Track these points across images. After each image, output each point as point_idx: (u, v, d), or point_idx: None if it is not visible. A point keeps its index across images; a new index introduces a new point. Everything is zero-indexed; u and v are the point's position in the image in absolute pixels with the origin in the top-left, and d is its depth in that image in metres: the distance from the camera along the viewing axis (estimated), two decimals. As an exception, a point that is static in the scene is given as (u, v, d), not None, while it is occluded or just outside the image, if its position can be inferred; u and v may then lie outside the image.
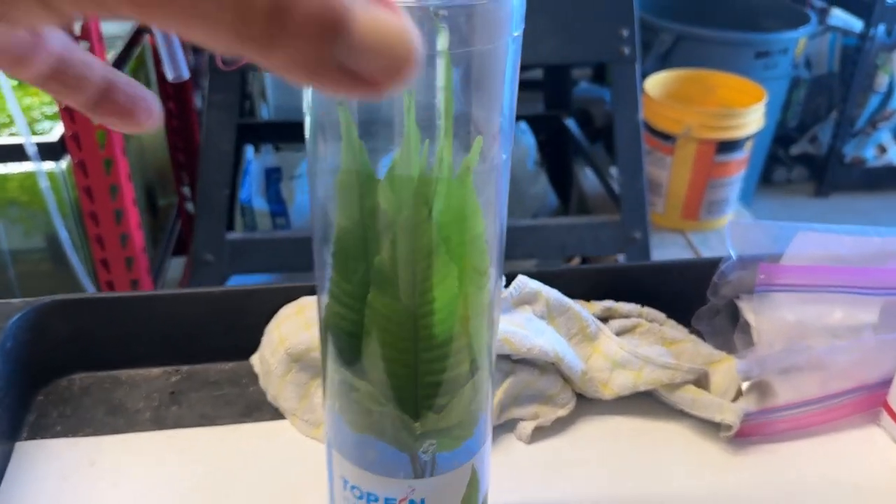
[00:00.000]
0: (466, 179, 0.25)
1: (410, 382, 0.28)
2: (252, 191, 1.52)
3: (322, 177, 0.27)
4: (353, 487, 0.32)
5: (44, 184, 0.89)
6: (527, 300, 0.47)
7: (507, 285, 0.49)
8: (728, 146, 1.33)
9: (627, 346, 0.47)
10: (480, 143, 0.24)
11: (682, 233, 1.41)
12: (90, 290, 0.97)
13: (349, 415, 0.30)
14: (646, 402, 0.48)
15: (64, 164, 0.92)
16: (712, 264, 0.53)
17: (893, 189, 2.14)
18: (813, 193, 2.15)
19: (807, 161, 2.18)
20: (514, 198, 1.46)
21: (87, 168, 0.90)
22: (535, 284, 0.48)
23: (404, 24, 0.14)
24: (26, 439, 0.45)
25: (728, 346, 0.53)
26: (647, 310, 0.52)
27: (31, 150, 0.86)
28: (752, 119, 1.33)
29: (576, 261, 1.26)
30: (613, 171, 1.39)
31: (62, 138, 0.90)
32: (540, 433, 0.46)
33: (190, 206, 1.48)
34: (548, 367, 0.46)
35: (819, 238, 0.53)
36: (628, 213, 1.18)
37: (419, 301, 0.26)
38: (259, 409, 0.48)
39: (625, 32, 1.11)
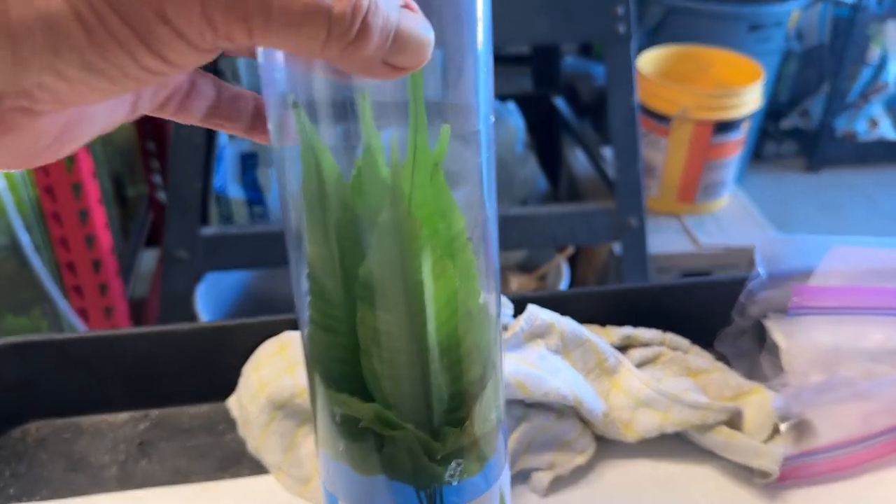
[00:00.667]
0: (437, 175, 0.23)
1: (422, 399, 0.25)
2: (227, 178, 1.46)
3: (291, 196, 0.24)
4: None
5: (0, 183, 0.82)
6: (539, 333, 0.42)
7: (515, 315, 0.44)
8: (725, 126, 1.28)
9: (652, 382, 0.42)
10: (448, 133, 0.22)
11: (677, 217, 1.36)
12: (54, 293, 0.90)
13: (354, 456, 0.26)
14: (671, 443, 0.43)
15: (21, 162, 0.85)
16: (738, 282, 0.48)
17: (885, 163, 2.10)
18: (804, 168, 2.11)
19: (797, 135, 2.14)
20: (502, 183, 1.40)
21: (46, 165, 0.84)
22: (548, 315, 0.42)
23: (425, 23, 0.19)
24: (-28, 506, 0.39)
25: (754, 369, 0.48)
26: (669, 336, 0.47)
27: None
28: (750, 98, 1.28)
29: (569, 250, 1.21)
30: (606, 152, 1.34)
31: (18, 134, 0.83)
32: (557, 483, 0.41)
33: (162, 196, 1.41)
34: (565, 409, 0.41)
35: (853, 252, 0.48)
36: (623, 200, 1.13)
37: (416, 306, 0.23)
38: (238, 461, 0.42)
39: (619, 10, 1.05)
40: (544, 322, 0.42)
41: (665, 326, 0.48)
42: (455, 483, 0.26)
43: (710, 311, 0.48)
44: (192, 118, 0.24)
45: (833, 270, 0.47)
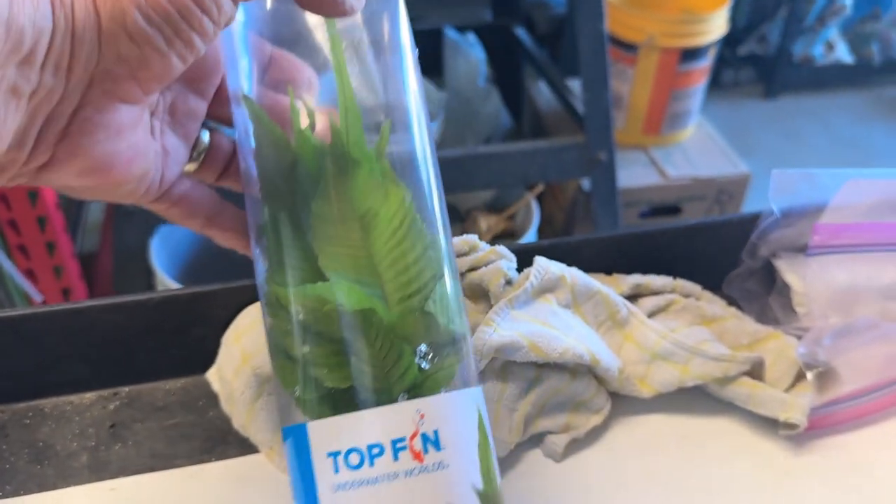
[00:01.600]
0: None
1: (375, 278, 0.27)
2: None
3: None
4: (348, 454, 0.25)
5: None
6: (548, 288, 0.39)
7: (520, 269, 0.40)
8: (692, 54, 1.25)
9: (668, 334, 0.39)
10: (389, 128, 0.26)
11: (643, 149, 1.33)
12: (31, 291, 0.84)
13: (321, 363, 0.26)
14: (688, 397, 0.41)
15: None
16: (747, 221, 0.45)
17: (842, 87, 2.10)
18: (762, 95, 2.10)
19: (755, 62, 2.12)
20: (465, 120, 1.35)
21: None
22: (558, 268, 0.39)
23: None
24: (-75, 509, 0.35)
25: (764, 312, 0.46)
26: (680, 282, 0.44)
27: None
28: (717, 24, 1.24)
29: (538, 188, 1.18)
30: (570, 85, 1.29)
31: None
32: (571, 446, 0.38)
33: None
34: (580, 368, 0.38)
35: (869, 185, 0.46)
36: (593, 134, 1.10)
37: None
38: (224, 440, 0.39)
39: (586, -68, 0.99)
40: (554, 275, 0.39)
41: (673, 271, 0.45)
42: (426, 368, 0.26)
43: (719, 253, 0.46)
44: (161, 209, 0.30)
45: (847, 205, 0.44)
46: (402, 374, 0.27)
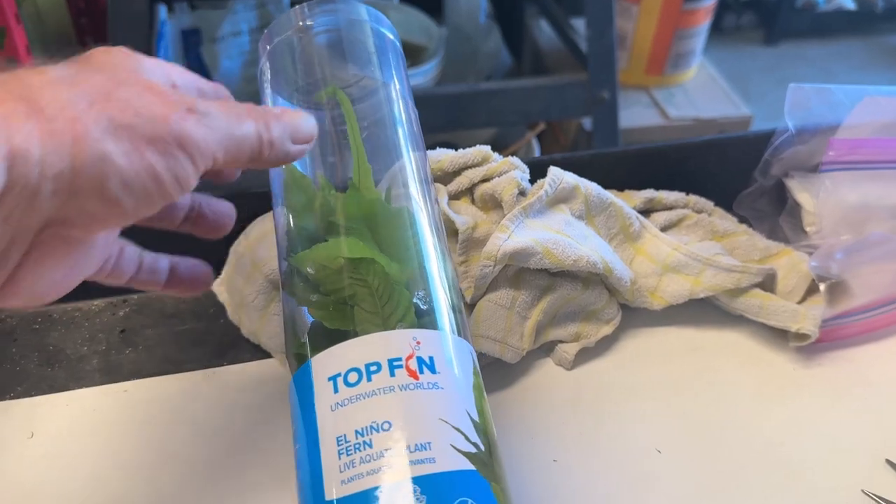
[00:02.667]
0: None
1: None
2: (169, 57, 1.35)
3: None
4: (348, 374, 0.25)
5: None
6: (563, 198, 0.38)
7: (532, 180, 0.40)
8: (696, -8, 1.23)
9: (682, 246, 0.39)
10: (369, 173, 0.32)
11: (645, 90, 1.31)
12: None
13: (329, 305, 0.28)
14: (698, 310, 0.41)
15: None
16: (761, 139, 0.45)
17: (844, 35, 2.08)
18: (762, 41, 2.07)
19: (757, 6, 2.09)
20: (465, 58, 1.34)
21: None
22: (572, 178, 0.39)
23: (304, 116, 0.28)
24: (-62, 407, 0.35)
25: (774, 232, 0.46)
26: (693, 198, 0.43)
27: None
28: (723, -39, 1.22)
29: (539, 126, 1.17)
30: (574, 23, 1.27)
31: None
32: (581, 355, 0.38)
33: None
34: (592, 277, 0.38)
35: (887, 103, 0.45)
36: (596, 72, 1.08)
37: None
38: (236, 346, 0.39)
39: None
40: (569, 185, 0.38)
41: (685, 188, 0.44)
42: (425, 308, 0.28)
43: (731, 171, 0.45)
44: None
45: (863, 122, 0.44)
46: (403, 314, 0.28)
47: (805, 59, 2.00)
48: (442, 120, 1.07)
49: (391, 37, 0.36)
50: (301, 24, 0.35)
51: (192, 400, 0.36)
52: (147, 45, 1.04)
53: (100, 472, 0.33)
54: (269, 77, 0.35)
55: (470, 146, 1.18)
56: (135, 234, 0.38)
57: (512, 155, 1.21)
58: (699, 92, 1.33)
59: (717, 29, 2.01)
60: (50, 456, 0.33)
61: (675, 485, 0.33)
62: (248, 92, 1.31)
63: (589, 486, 0.33)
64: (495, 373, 0.37)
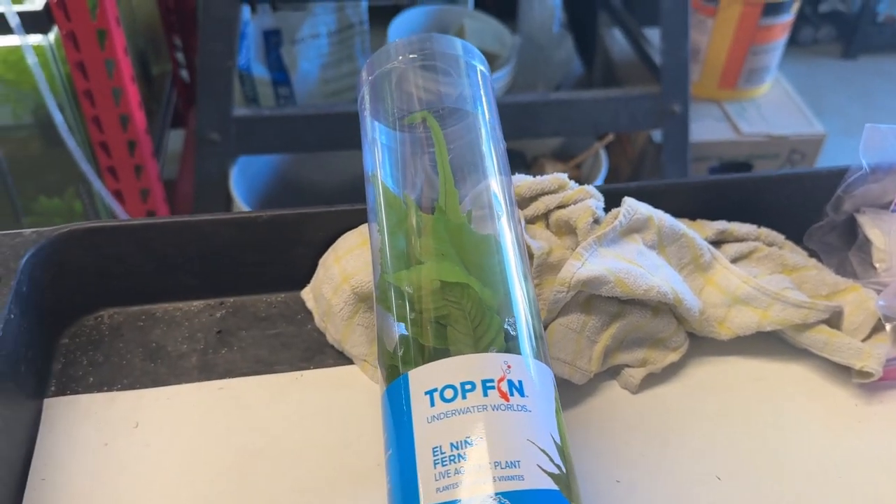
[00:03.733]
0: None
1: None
2: (251, 56, 1.40)
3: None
4: (444, 389, 0.28)
5: (31, 59, 0.78)
6: (636, 228, 0.40)
7: (607, 209, 0.42)
8: (775, 8, 1.22)
9: (751, 279, 0.40)
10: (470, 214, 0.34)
11: (717, 103, 1.31)
12: (90, 174, 0.88)
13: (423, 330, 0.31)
14: (764, 341, 0.42)
15: (52, 36, 0.80)
16: (834, 175, 0.46)
17: (927, 50, 2.02)
18: (840, 55, 2.03)
19: (836, 19, 2.05)
20: (536, 66, 1.35)
21: (77, 40, 0.79)
22: (646, 210, 0.40)
23: None
24: (55, 394, 0.39)
25: (842, 267, 0.46)
26: (765, 231, 0.45)
27: (14, 20, 0.75)
28: (803, -23, 1.20)
29: (608, 137, 1.18)
30: (646, 33, 1.27)
31: (47, 6, 0.78)
32: (647, 380, 0.40)
33: (185, 74, 1.36)
34: (661, 306, 0.40)
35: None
36: (669, 85, 1.09)
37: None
38: (321, 351, 0.41)
39: None
40: (643, 216, 0.40)
41: (756, 221, 0.46)
42: (514, 334, 0.30)
43: (803, 205, 0.46)
44: None
45: (939, 164, 0.44)
46: (493, 338, 0.30)
47: (883, 74, 1.96)
48: (511, 128, 1.09)
49: (482, 69, 0.39)
50: (400, 57, 0.37)
51: (280, 400, 0.39)
52: (232, 45, 1.08)
53: (196, 463, 0.36)
54: (369, 105, 0.38)
55: (537, 154, 1.20)
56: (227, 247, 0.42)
57: (579, 164, 1.22)
58: (772, 107, 1.32)
59: (793, 42, 1.98)
60: (153, 445, 0.37)
61: (733, 511, 0.35)
62: (324, 93, 1.35)
63: (650, 506, 0.35)
64: (563, 393, 0.39)
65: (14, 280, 0.37)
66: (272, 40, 1.43)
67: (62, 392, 0.39)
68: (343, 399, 0.39)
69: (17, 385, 0.36)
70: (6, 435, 0.34)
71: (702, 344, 0.42)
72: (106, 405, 0.38)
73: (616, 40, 1.39)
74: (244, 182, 1.10)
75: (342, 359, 0.41)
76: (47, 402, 0.38)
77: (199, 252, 0.42)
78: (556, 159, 1.23)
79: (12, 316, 0.36)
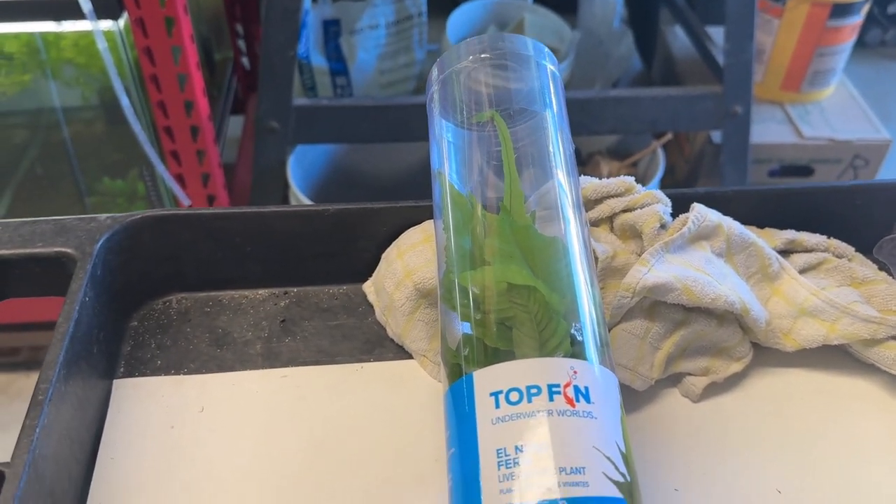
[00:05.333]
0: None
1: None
2: (310, 45, 1.42)
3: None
4: (509, 392, 0.28)
5: (101, 44, 0.80)
6: (705, 235, 0.40)
7: (674, 214, 0.41)
8: (843, 9, 1.18)
9: (820, 292, 0.40)
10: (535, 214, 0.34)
11: (780, 105, 1.28)
12: (153, 157, 0.90)
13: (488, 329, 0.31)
14: (829, 355, 0.41)
15: (122, 22, 0.82)
16: (909, 187, 0.45)
17: None
18: (910, 57, 1.97)
19: (906, 20, 1.98)
20: (595, 62, 1.34)
21: (146, 27, 0.81)
22: (716, 217, 0.40)
23: None
24: (124, 376, 0.40)
25: (913, 281, 0.45)
26: (834, 242, 0.44)
27: (86, 6, 0.77)
28: (876, -22, 1.17)
29: (666, 136, 1.16)
30: (709, 31, 1.25)
31: (118, -8, 0.80)
32: (707, 389, 0.40)
33: (245, 62, 1.38)
34: (727, 315, 0.39)
35: None
36: (731, 85, 1.07)
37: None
38: (381, 344, 0.42)
39: None
40: (712, 223, 0.39)
41: (825, 231, 0.45)
42: (580, 340, 0.30)
43: (873, 217, 0.45)
44: None
45: None
46: (559, 343, 0.30)
47: (955, 78, 1.89)
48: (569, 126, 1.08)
49: (552, 68, 0.39)
50: (471, 56, 0.37)
51: (342, 390, 0.39)
52: (294, 34, 1.09)
53: (259, 449, 0.37)
54: (438, 103, 0.38)
55: (593, 151, 1.19)
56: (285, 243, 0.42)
57: (635, 163, 1.21)
58: (837, 111, 1.29)
59: (860, 43, 1.92)
60: (217, 430, 0.37)
61: (794, 527, 0.34)
62: (381, 83, 1.36)
63: (709, 517, 0.34)
64: (623, 399, 0.39)
65: (89, 263, 0.38)
66: (331, 30, 1.44)
67: (131, 374, 0.40)
68: (403, 393, 0.39)
69: (89, 365, 0.37)
70: (79, 413, 0.35)
71: (765, 354, 0.41)
72: (173, 388, 0.39)
73: (677, 38, 1.37)
74: (301, 170, 1.11)
75: (402, 353, 0.41)
76: (116, 382, 0.39)
77: (265, 242, 0.43)
78: (612, 157, 1.22)
79: (87, 298, 0.37)
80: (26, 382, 1.18)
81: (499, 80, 0.38)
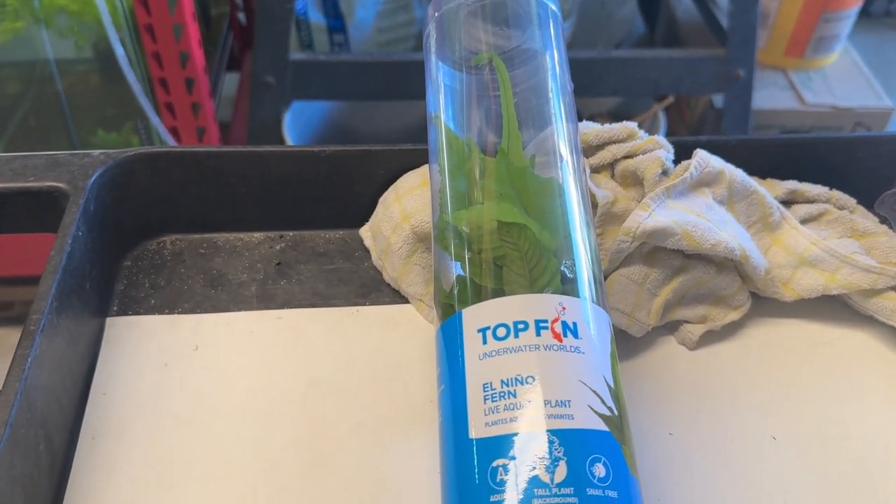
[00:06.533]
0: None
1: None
2: (307, 1, 1.40)
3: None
4: (497, 328, 0.28)
5: (95, -9, 0.79)
6: (707, 182, 0.39)
7: (676, 161, 0.41)
8: (850, -26, 1.17)
9: (821, 241, 0.39)
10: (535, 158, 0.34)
11: (783, 71, 1.27)
12: (148, 109, 0.89)
13: (481, 264, 0.30)
14: (827, 305, 0.41)
15: (117, -32, 0.81)
16: (914, 140, 0.44)
17: None
18: (914, 28, 1.95)
19: (912, -10, 1.96)
20: (598, 22, 1.32)
21: (141, -25, 0.80)
22: (718, 163, 0.39)
23: None
24: (117, 314, 0.39)
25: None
26: (836, 194, 0.43)
27: (80, -49, 0.76)
28: (884, -58, 1.15)
29: (668, 100, 1.15)
30: (713, -4, 1.23)
31: (113, -62, 0.79)
32: (704, 337, 0.40)
33: (242, 17, 1.36)
34: (726, 263, 0.39)
35: None
36: (735, 49, 1.05)
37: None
38: (377, 289, 0.41)
39: None
40: (714, 169, 0.39)
41: (828, 182, 0.44)
42: (570, 277, 0.30)
43: (877, 170, 0.45)
44: None
45: None
46: (549, 280, 0.30)
47: (960, 50, 1.87)
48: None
49: (553, 8, 0.38)
50: None
51: (337, 333, 0.39)
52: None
53: (253, 387, 0.36)
54: (434, 44, 0.37)
55: (594, 113, 1.18)
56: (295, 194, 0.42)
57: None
58: (839, 78, 1.28)
59: (864, 13, 1.90)
60: (211, 368, 0.37)
61: (788, 473, 0.34)
62: (379, 42, 1.34)
63: (702, 461, 0.34)
64: (619, 345, 0.38)
65: (82, 199, 0.37)
66: (330, -14, 1.42)
67: (124, 312, 0.39)
68: (398, 336, 0.39)
69: (81, 301, 0.37)
70: (71, 348, 0.35)
71: (764, 304, 0.41)
72: (167, 327, 0.39)
73: (681, 0, 1.35)
74: (297, 127, 1.10)
75: (398, 297, 0.41)
76: (109, 320, 0.39)
77: (261, 184, 0.42)
78: (613, 119, 1.21)
79: (79, 233, 0.37)
80: (18, 337, 1.18)
81: (498, 20, 0.37)
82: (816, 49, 1.26)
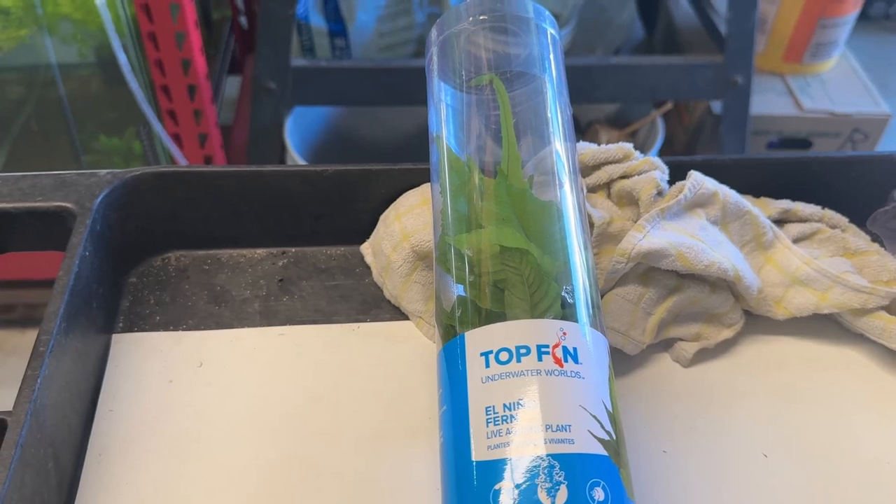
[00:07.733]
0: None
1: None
2: (308, 5, 1.40)
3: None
4: (499, 352, 0.28)
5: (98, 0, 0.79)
6: (701, 203, 0.40)
7: (671, 182, 0.41)
8: (848, -20, 1.18)
9: (813, 261, 0.40)
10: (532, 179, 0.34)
11: (780, 77, 1.28)
12: (150, 115, 0.89)
13: (480, 291, 0.31)
14: (819, 324, 0.42)
15: (120, -23, 0.82)
16: (906, 159, 0.45)
17: None
18: (913, 31, 1.96)
19: (911, -7, 1.97)
20: (597, 28, 1.33)
21: (144, -17, 0.80)
22: (712, 185, 0.40)
23: None
24: (123, 331, 0.40)
25: (905, 254, 0.46)
26: (829, 213, 0.44)
27: (83, -40, 0.76)
28: (882, -51, 1.16)
29: (667, 106, 1.16)
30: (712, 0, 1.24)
31: (116, -53, 0.79)
32: (698, 354, 0.40)
33: (243, 21, 1.37)
34: (720, 282, 0.40)
35: None
36: (733, 55, 1.06)
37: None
38: (378, 305, 0.42)
39: None
40: (708, 191, 0.40)
41: (821, 201, 0.45)
42: (571, 302, 0.31)
43: (869, 189, 0.46)
44: None
45: None
46: (550, 305, 0.30)
47: (958, 53, 1.88)
48: (568, 91, 1.08)
49: (552, 32, 0.39)
50: (471, 18, 0.37)
51: (338, 349, 0.40)
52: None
53: (256, 403, 0.37)
54: (437, 66, 0.38)
55: (591, 119, 1.19)
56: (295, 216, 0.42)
57: (634, 132, 1.21)
58: (837, 84, 1.28)
59: (863, 16, 1.91)
60: (215, 384, 0.38)
61: (779, 489, 0.35)
62: (380, 46, 1.35)
63: (696, 479, 0.35)
64: (614, 363, 0.39)
65: (89, 219, 0.38)
66: (330, -10, 1.42)
67: (130, 329, 0.40)
68: (398, 353, 0.40)
69: (88, 319, 0.37)
70: (79, 366, 0.36)
71: (756, 322, 0.42)
72: (171, 344, 0.40)
73: (680, 6, 1.36)
74: (298, 132, 1.11)
75: (398, 314, 0.42)
76: (115, 337, 0.40)
77: (264, 202, 0.43)
78: (611, 125, 1.22)
79: (86, 253, 0.37)
80: (21, 339, 1.19)
81: (498, 43, 0.38)
82: (814, 55, 1.27)
